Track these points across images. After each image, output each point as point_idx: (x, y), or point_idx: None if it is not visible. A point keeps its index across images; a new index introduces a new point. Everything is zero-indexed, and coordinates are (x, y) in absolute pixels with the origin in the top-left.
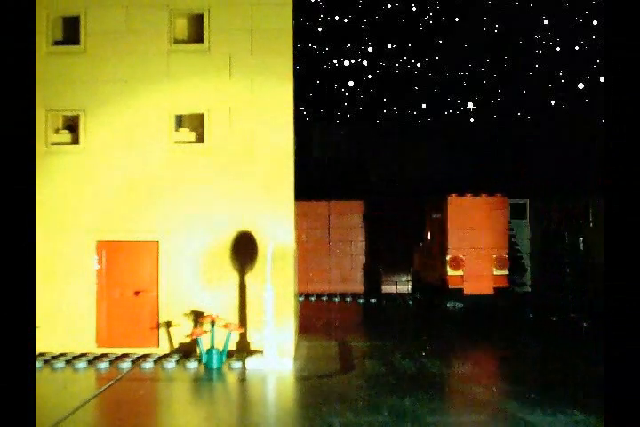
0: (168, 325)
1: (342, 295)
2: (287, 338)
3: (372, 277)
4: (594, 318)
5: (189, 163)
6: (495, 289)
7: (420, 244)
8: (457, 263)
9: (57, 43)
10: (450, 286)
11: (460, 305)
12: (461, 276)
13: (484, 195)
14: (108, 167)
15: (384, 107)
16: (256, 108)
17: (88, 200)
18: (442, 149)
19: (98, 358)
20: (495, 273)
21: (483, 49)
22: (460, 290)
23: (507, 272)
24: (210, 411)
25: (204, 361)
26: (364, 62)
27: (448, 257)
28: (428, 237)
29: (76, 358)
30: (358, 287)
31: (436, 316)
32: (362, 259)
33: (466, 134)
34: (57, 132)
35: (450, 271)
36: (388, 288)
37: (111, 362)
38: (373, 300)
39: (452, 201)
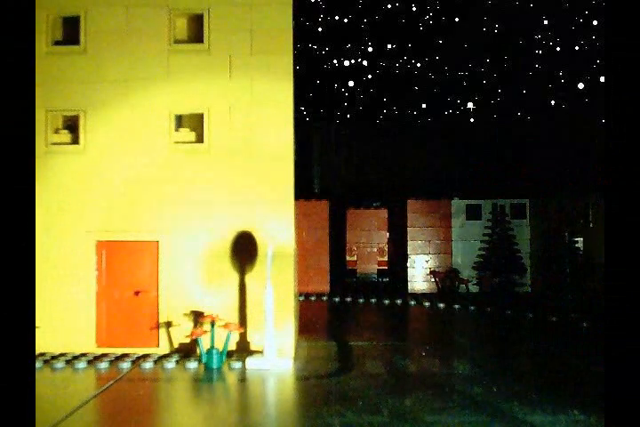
0: (168, 325)
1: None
2: (287, 338)
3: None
4: (594, 318)
5: (189, 163)
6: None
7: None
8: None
9: (57, 43)
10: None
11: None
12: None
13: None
14: (108, 167)
15: (384, 107)
16: (256, 108)
17: (88, 200)
18: (442, 148)
19: (98, 358)
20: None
21: (483, 49)
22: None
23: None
24: (210, 411)
25: (203, 361)
26: (364, 62)
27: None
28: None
29: (76, 358)
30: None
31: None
32: (326, 259)
33: (466, 134)
34: (57, 132)
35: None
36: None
37: (111, 362)
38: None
39: (350, 211)
